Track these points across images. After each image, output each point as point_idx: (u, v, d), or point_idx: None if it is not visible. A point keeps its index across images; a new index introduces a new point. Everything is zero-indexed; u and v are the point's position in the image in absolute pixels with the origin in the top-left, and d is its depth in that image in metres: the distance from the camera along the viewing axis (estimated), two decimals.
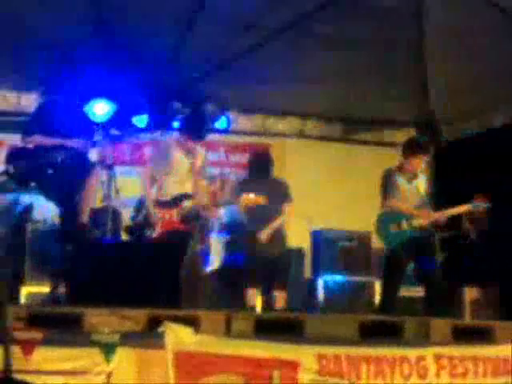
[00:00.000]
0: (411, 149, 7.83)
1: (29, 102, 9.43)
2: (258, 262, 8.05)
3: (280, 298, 8.07)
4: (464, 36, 8.94)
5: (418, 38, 9.32)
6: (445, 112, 10.88)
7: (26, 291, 7.20)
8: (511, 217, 8.63)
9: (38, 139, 6.72)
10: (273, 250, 8.04)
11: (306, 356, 5.11)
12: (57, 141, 6.71)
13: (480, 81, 9.62)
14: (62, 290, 6.46)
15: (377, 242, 8.23)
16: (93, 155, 6.96)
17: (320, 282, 9.05)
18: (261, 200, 7.56)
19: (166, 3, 8.19)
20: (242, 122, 11.00)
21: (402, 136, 9.97)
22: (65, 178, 6.67)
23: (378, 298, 8.23)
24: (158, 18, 8.55)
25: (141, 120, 10.12)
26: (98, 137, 7.12)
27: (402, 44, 9.35)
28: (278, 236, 8.13)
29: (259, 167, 8.40)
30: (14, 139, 7.31)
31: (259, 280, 8.15)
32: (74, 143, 6.78)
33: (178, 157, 7.42)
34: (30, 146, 6.74)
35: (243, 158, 11.19)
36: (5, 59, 8.91)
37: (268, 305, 8.16)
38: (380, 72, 9.70)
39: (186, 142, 7.50)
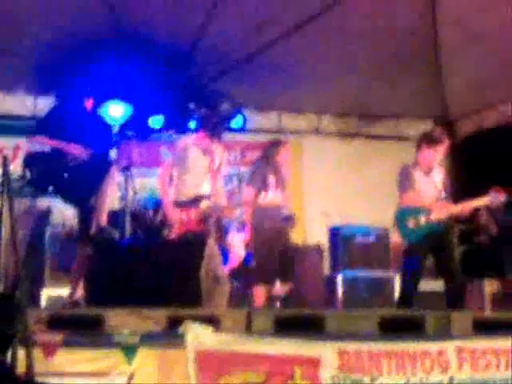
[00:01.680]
0: (425, 141, 7.80)
1: (46, 105, 9.44)
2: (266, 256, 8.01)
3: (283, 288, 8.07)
4: (480, 26, 8.91)
5: (433, 30, 9.33)
6: (462, 105, 10.86)
7: (46, 294, 7.23)
8: None
9: (47, 142, 6.73)
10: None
11: (326, 352, 5.10)
12: (70, 144, 6.72)
13: (497, 73, 9.59)
14: (81, 292, 6.49)
15: (395, 237, 8.18)
16: (109, 157, 6.98)
17: (339, 278, 9.03)
18: None
19: (180, 3, 8.22)
20: (258, 120, 11.01)
21: (418, 130, 9.91)
22: (82, 181, 6.68)
23: (397, 293, 8.18)
24: (173, 19, 8.58)
25: (157, 121, 10.14)
26: (114, 139, 7.13)
27: (417, 37, 9.35)
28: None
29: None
30: (31, 144, 7.31)
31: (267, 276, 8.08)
32: (86, 147, 6.78)
33: (196, 157, 7.40)
34: (46, 150, 6.75)
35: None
36: (20, 62, 8.95)
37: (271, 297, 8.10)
38: (395, 66, 9.71)
39: (203, 141, 7.50)
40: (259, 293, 7.91)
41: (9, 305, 4.09)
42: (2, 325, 3.85)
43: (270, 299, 8.00)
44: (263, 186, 7.88)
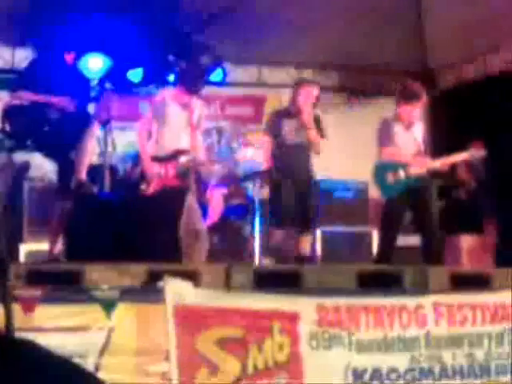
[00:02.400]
0: (404, 96, 7.84)
1: (24, 57, 9.36)
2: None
3: (305, 241, 7.95)
4: None
5: None
6: (441, 57, 10.84)
7: (25, 249, 7.23)
8: (507, 165, 8.64)
9: (28, 96, 6.70)
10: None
11: (305, 307, 5.13)
12: (52, 97, 6.69)
13: (476, 26, 9.57)
14: (60, 246, 6.50)
15: (374, 192, 8.21)
16: (89, 111, 6.95)
17: (318, 234, 9.05)
18: None
19: None
20: (238, 73, 10.96)
21: (399, 83, 9.91)
22: (61, 135, 6.67)
23: (376, 249, 8.24)
24: None
25: (136, 74, 10.08)
26: (93, 92, 7.10)
27: None
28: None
29: None
30: (9, 97, 7.27)
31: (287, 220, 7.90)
32: (69, 99, 6.76)
33: (174, 111, 7.39)
34: (26, 103, 6.72)
35: (240, 111, 11.19)
36: None
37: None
38: (376, 20, 9.67)
39: (182, 95, 7.48)
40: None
41: None
42: None
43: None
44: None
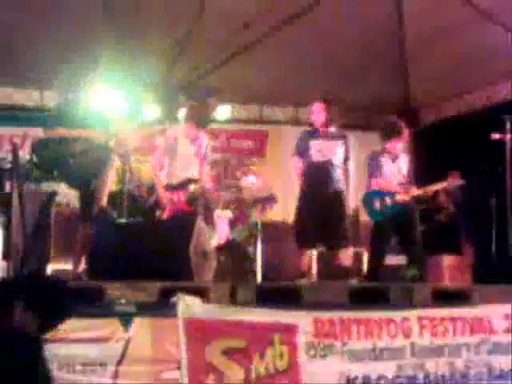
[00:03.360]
0: (387, 132, 7.88)
1: (50, 98, 9.39)
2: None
3: (345, 255, 7.58)
4: (443, 24, 8.91)
5: (399, 30, 9.34)
6: (423, 97, 10.87)
7: (51, 268, 7.20)
8: (482, 192, 8.64)
9: (60, 131, 6.72)
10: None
11: (303, 320, 5.11)
12: (76, 132, 6.70)
13: (454, 69, 9.60)
14: (83, 266, 6.48)
15: (364, 217, 8.19)
16: (109, 145, 6.94)
17: (314, 254, 8.97)
18: None
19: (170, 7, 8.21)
20: (241, 111, 10.99)
21: (385, 120, 9.93)
22: (84, 166, 6.66)
23: (366, 267, 8.21)
24: (163, 21, 8.56)
25: (152, 112, 10.15)
26: (113, 128, 7.10)
27: (385, 37, 9.35)
28: None
29: None
30: (37, 132, 7.29)
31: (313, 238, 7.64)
32: (92, 134, 6.76)
33: (184, 144, 7.41)
34: (52, 137, 6.72)
35: (243, 144, 11.21)
36: (29, 59, 8.89)
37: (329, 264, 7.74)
38: (365, 63, 9.69)
39: (191, 131, 7.49)
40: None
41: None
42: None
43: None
44: None
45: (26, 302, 3.84)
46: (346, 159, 7.74)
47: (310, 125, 7.91)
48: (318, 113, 7.72)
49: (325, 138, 7.67)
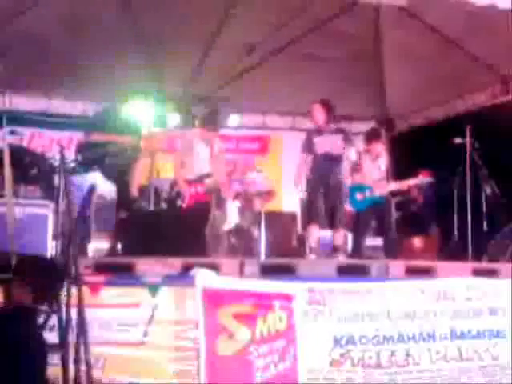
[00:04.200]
0: (369, 136, 7.90)
1: (92, 108, 9.38)
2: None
3: (338, 236, 7.40)
4: (412, 52, 8.93)
5: (378, 56, 9.37)
6: (398, 109, 10.88)
7: (92, 247, 7.22)
8: (446, 187, 8.64)
9: (95, 135, 6.72)
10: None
11: (298, 290, 5.12)
12: (111, 137, 6.70)
13: (423, 87, 9.62)
14: (118, 245, 6.49)
15: (348, 207, 8.16)
16: (139, 146, 6.95)
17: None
18: None
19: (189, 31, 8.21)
20: (249, 119, 11.00)
21: (366, 127, 9.91)
22: (117, 164, 6.67)
23: (350, 247, 8.21)
24: (184, 43, 8.57)
25: (174, 119, 10.14)
26: (142, 132, 7.11)
27: (365, 59, 9.36)
28: None
29: None
30: (82, 136, 7.29)
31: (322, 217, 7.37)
32: (123, 138, 6.76)
33: (200, 146, 7.41)
34: (93, 141, 6.73)
35: (251, 145, 11.22)
36: (76, 77, 8.90)
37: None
38: (350, 81, 9.69)
39: (206, 135, 7.49)
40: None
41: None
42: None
43: None
44: None
45: (23, 280, 3.86)
46: (346, 148, 7.49)
47: (315, 124, 7.58)
48: (316, 113, 7.49)
49: (326, 133, 7.43)
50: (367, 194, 7.63)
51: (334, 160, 7.38)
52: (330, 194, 7.30)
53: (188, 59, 9.08)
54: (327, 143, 7.40)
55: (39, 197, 6.29)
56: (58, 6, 7.61)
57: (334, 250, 7.34)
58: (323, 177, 7.34)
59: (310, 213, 7.49)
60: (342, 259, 7.03)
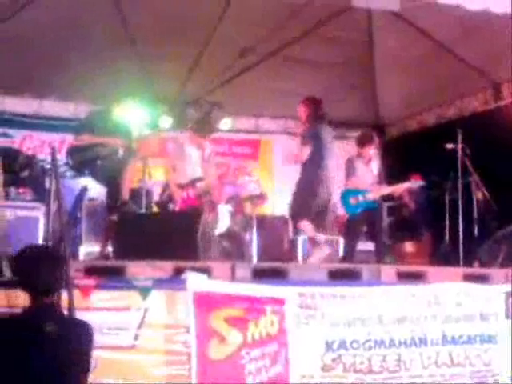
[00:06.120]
0: (362, 141, 7.91)
1: (83, 110, 9.36)
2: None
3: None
4: (404, 57, 8.97)
5: (370, 61, 9.40)
6: (390, 114, 10.92)
7: (83, 250, 7.21)
8: (437, 191, 8.68)
9: (86, 138, 6.70)
10: None
11: (290, 294, 5.12)
12: (102, 139, 6.69)
13: (415, 93, 9.67)
14: (109, 248, 6.48)
15: (341, 211, 8.19)
16: (131, 149, 6.94)
17: (299, 240, 8.99)
18: None
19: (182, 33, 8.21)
20: (241, 123, 11.00)
21: (358, 132, 9.94)
22: (109, 167, 6.66)
23: (341, 251, 8.23)
24: (177, 47, 8.57)
25: (165, 122, 10.14)
26: (134, 135, 7.10)
27: (358, 64, 9.39)
28: None
29: None
30: (72, 139, 7.27)
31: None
32: (115, 141, 6.75)
33: (191, 149, 7.41)
34: (84, 143, 6.71)
35: (243, 149, 11.23)
36: (65, 78, 8.89)
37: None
38: (342, 86, 9.72)
39: (197, 138, 7.49)
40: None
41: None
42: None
43: None
44: None
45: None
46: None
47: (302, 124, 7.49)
48: (300, 111, 7.41)
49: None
50: (360, 198, 7.64)
51: None
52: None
53: (180, 62, 9.08)
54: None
55: (30, 199, 6.28)
56: (49, 8, 7.59)
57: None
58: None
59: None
60: (333, 264, 7.03)
